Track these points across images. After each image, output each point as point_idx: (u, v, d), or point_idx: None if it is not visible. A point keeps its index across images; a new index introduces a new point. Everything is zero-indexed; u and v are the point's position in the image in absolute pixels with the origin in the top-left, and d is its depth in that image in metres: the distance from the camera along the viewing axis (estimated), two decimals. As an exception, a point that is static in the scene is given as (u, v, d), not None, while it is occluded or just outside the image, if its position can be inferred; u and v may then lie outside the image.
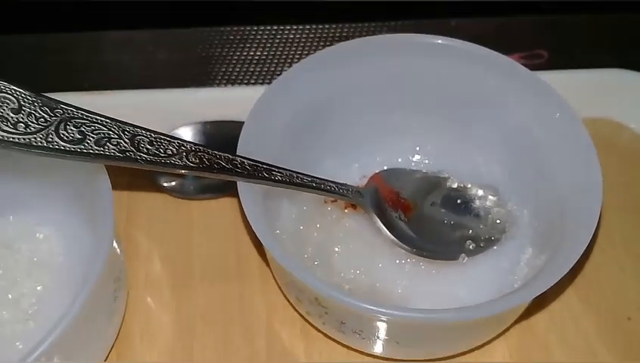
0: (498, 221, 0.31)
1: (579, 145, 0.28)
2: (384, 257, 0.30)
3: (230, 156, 0.25)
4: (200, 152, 0.25)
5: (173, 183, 0.34)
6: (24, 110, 0.21)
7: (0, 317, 0.29)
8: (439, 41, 0.31)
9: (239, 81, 0.41)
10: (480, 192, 0.32)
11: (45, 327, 0.27)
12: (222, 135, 0.35)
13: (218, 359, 0.29)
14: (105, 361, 0.28)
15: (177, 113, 0.35)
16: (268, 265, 0.31)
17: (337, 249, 0.30)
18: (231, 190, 0.34)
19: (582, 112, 0.35)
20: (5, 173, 0.31)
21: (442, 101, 0.32)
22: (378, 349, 0.26)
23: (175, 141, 0.24)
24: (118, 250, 0.29)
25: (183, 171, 0.24)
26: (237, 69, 0.42)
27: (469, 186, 0.32)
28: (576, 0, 0.42)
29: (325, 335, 0.29)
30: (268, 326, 0.30)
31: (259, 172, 0.26)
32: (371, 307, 0.23)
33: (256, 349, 0.29)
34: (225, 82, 0.41)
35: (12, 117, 0.21)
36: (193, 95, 0.37)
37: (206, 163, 0.25)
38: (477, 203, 0.31)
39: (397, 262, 0.30)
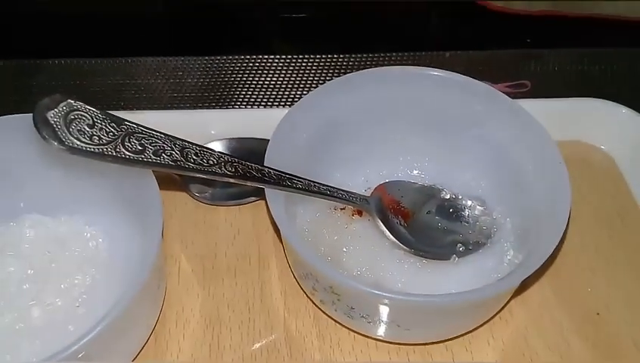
0: (484, 228, 0.35)
1: (552, 162, 0.33)
2: (386, 257, 0.35)
3: (259, 167, 0.30)
4: (236, 163, 0.30)
5: (204, 192, 0.39)
6: (97, 126, 0.26)
7: (54, 304, 0.34)
8: (435, 73, 0.36)
9: (257, 103, 0.46)
10: (470, 202, 0.36)
11: (93, 313, 0.31)
12: (244, 150, 0.39)
13: (241, 341, 0.33)
14: (146, 342, 0.33)
15: (203, 130, 0.40)
16: (284, 260, 0.36)
17: (345, 249, 0.35)
18: (252, 199, 0.39)
19: (560, 135, 0.40)
20: (59, 180, 0.35)
21: (437, 124, 0.37)
22: (381, 331, 0.31)
23: (216, 153, 0.29)
24: (162, 252, 0.33)
25: (222, 178, 0.29)
26: (257, 93, 0.47)
27: (460, 197, 0.37)
28: (556, 37, 0.48)
29: (335, 321, 0.34)
30: (285, 314, 0.34)
31: (283, 180, 0.31)
32: (380, 292, 0.27)
33: (275, 333, 0.34)
34: (245, 104, 0.46)
35: (88, 131, 0.26)
36: (217, 115, 0.42)
37: (240, 172, 0.29)
38: (467, 212, 0.36)
39: (397, 261, 0.34)
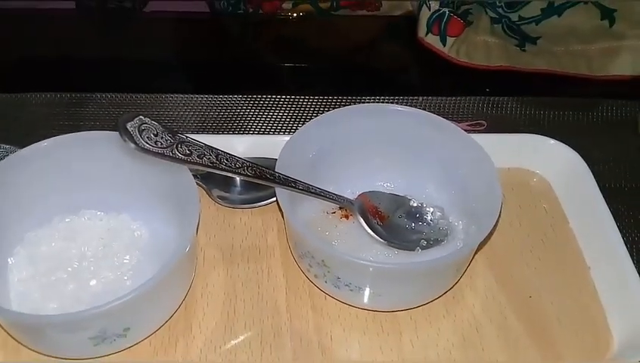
0: (442, 229, 0.45)
1: (489, 176, 0.42)
2: (366, 249, 0.44)
3: (271, 171, 0.41)
4: (255, 167, 0.40)
5: (223, 199, 0.48)
6: (159, 135, 0.37)
7: (107, 277, 0.42)
8: (403, 109, 0.46)
9: (266, 133, 0.57)
10: (431, 209, 0.46)
11: (138, 284, 0.40)
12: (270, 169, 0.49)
13: (252, 309, 0.42)
14: (179, 307, 0.42)
15: (232, 151, 0.49)
16: (287, 251, 0.45)
17: (334, 242, 0.44)
18: (262, 204, 0.48)
19: (506, 163, 0.51)
20: (114, 185, 0.44)
21: (406, 149, 0.46)
22: (360, 298, 0.41)
23: (240, 160, 0.39)
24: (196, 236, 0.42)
25: (244, 177, 0.39)
26: (266, 125, 0.57)
27: (424, 205, 0.46)
28: (506, 87, 0.59)
29: (326, 294, 0.43)
30: (286, 290, 0.43)
31: (289, 182, 0.41)
32: (359, 260, 0.38)
33: (279, 304, 0.43)
34: (256, 133, 0.57)
35: (153, 138, 0.36)
36: (237, 139, 0.51)
37: (257, 174, 0.40)
38: (429, 216, 0.46)
39: (375, 252, 0.44)
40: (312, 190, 0.42)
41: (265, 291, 0.44)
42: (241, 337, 0.41)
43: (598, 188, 0.48)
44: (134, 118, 0.36)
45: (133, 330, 0.38)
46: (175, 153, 0.37)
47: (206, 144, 0.38)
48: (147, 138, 0.36)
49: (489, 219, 0.40)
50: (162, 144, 0.36)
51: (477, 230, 0.41)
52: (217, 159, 0.38)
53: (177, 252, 0.38)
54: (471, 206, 0.44)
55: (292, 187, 0.41)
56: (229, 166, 0.39)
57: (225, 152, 0.39)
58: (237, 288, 0.44)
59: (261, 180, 0.40)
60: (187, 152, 0.37)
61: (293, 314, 0.42)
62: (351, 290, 0.40)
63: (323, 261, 0.39)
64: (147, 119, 0.36)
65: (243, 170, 0.39)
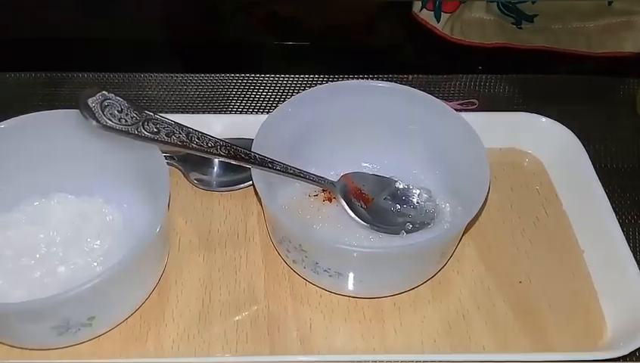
0: (428, 211, 0.43)
1: (478, 158, 0.40)
2: (349, 233, 0.42)
3: (247, 151, 0.38)
4: (229, 147, 0.38)
5: (201, 181, 0.46)
6: (124, 112, 0.34)
7: (76, 263, 0.40)
8: (388, 86, 0.44)
9: (244, 111, 0.54)
10: (418, 191, 0.44)
11: None
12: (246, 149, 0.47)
13: (229, 296, 0.41)
14: (150, 294, 0.40)
15: (209, 131, 0.47)
16: (266, 236, 0.43)
17: (315, 226, 0.42)
18: (241, 186, 0.46)
19: (497, 142, 0.49)
20: (84, 167, 0.42)
21: (392, 128, 0.44)
22: (340, 284, 0.39)
23: (213, 138, 0.37)
24: (167, 218, 0.40)
25: (217, 157, 0.37)
26: (248, 105, 0.55)
27: (410, 187, 0.44)
28: (499, 65, 0.57)
29: (305, 281, 0.41)
30: (265, 276, 0.42)
31: (266, 162, 0.39)
32: (336, 244, 0.35)
33: (257, 291, 0.41)
34: (235, 111, 0.54)
35: (117, 114, 0.34)
36: (215, 119, 0.49)
37: (232, 154, 0.38)
38: (415, 198, 0.44)
39: (358, 236, 0.42)
40: (291, 171, 0.40)
41: (242, 278, 0.42)
42: (216, 326, 0.39)
43: (593, 169, 0.46)
44: (96, 93, 0.34)
45: (99, 318, 0.36)
46: (140, 131, 0.34)
47: (176, 122, 0.36)
48: (111, 114, 0.34)
49: (477, 200, 0.38)
50: (126, 121, 0.34)
51: (464, 211, 0.39)
52: (188, 138, 0.36)
53: (145, 235, 0.36)
54: (459, 187, 0.42)
55: (269, 167, 0.39)
56: (201, 146, 0.37)
57: (196, 130, 0.37)
58: (214, 274, 0.42)
59: (236, 160, 0.38)
60: (155, 130, 0.35)
61: (271, 301, 0.41)
62: (330, 276, 0.38)
63: (300, 245, 0.37)
64: (110, 95, 0.34)
65: (216, 149, 0.37)
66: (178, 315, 0.40)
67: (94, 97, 0.34)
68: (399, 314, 0.40)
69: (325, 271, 0.38)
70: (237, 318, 0.40)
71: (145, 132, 0.35)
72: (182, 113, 0.54)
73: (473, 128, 0.42)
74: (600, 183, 0.45)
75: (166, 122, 0.36)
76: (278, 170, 0.39)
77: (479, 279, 0.42)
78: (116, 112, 0.34)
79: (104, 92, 0.34)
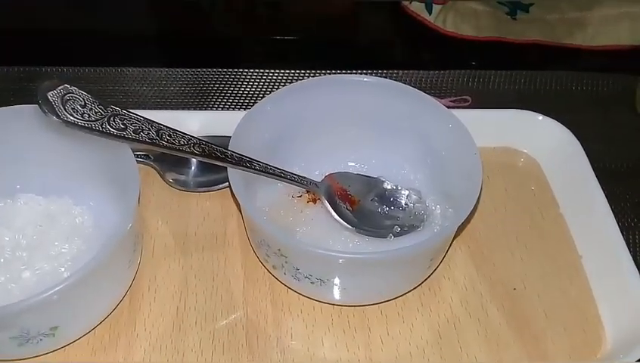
0: (418, 214, 0.41)
1: (469, 154, 0.38)
2: (334, 237, 0.39)
3: (223, 149, 0.36)
4: (203, 145, 0.35)
5: (178, 181, 0.44)
6: (88, 106, 0.32)
7: (42, 268, 0.38)
8: (375, 81, 0.42)
9: (227, 107, 0.52)
10: (407, 192, 0.42)
11: None
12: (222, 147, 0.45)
13: (205, 304, 0.38)
14: (121, 301, 0.38)
15: (181, 129, 0.45)
16: (247, 240, 0.41)
17: (298, 229, 0.40)
18: (220, 186, 0.44)
19: (490, 141, 0.47)
20: (53, 166, 0.40)
21: (380, 126, 0.42)
22: (323, 292, 0.36)
23: (187, 136, 0.35)
24: (138, 220, 0.38)
25: (190, 156, 0.35)
26: (231, 100, 0.53)
27: (399, 188, 0.42)
28: (494, 61, 0.55)
29: (287, 288, 0.39)
30: (244, 283, 0.39)
31: (243, 161, 0.36)
32: (320, 249, 0.33)
33: (235, 297, 0.39)
34: (220, 109, 0.52)
35: (80, 109, 0.32)
36: (194, 115, 0.47)
37: (206, 152, 0.35)
38: (404, 200, 0.42)
39: (343, 239, 0.39)
40: (271, 171, 0.38)
41: (220, 283, 0.39)
42: (191, 335, 0.37)
43: (591, 169, 0.44)
44: (57, 86, 0.31)
45: (63, 329, 0.33)
46: (105, 128, 0.32)
47: (145, 118, 0.34)
48: (73, 109, 0.31)
49: (468, 202, 0.35)
50: (90, 116, 0.32)
51: (455, 214, 0.37)
52: (158, 135, 0.34)
53: (112, 238, 0.33)
54: (450, 188, 0.40)
55: (247, 167, 0.37)
56: (173, 143, 0.34)
57: (168, 127, 0.35)
58: (190, 280, 0.39)
59: (211, 159, 0.36)
60: (121, 126, 0.33)
61: (250, 309, 0.38)
62: (312, 283, 0.36)
63: (279, 250, 0.35)
64: (73, 88, 0.32)
65: (190, 148, 0.35)
66: (151, 324, 0.37)
67: (54, 91, 0.31)
68: (385, 323, 0.38)
69: (307, 277, 0.35)
70: (213, 326, 0.37)
71: (111, 129, 0.32)
72: (163, 108, 0.52)
73: (465, 126, 0.39)
74: (599, 184, 0.43)
75: (134, 118, 0.33)
76: (257, 170, 0.37)
77: (471, 285, 0.40)
78: (78, 106, 0.32)
79: (66, 85, 0.32)
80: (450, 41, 0.59)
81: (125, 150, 0.36)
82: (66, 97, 0.31)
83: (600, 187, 0.42)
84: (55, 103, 0.31)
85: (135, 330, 0.37)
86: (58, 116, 0.31)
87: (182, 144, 0.34)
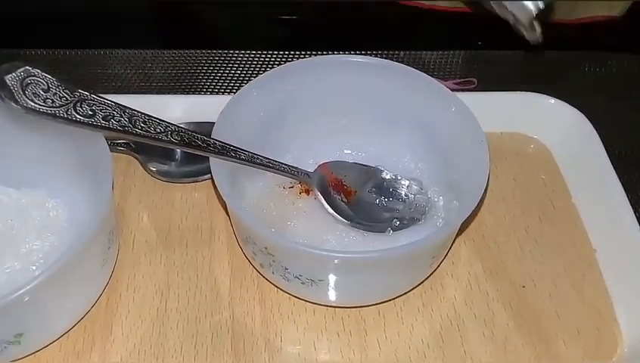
0: (419, 205, 0.38)
1: (475, 145, 0.35)
2: (328, 231, 0.37)
3: (205, 138, 0.33)
4: (182, 132, 0.32)
5: (161, 171, 0.41)
6: (51, 91, 0.29)
7: (13, 267, 0.36)
8: (372, 62, 0.38)
9: (216, 91, 0.49)
10: (407, 182, 0.39)
11: None
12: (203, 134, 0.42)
13: (188, 304, 0.35)
14: (96, 302, 0.35)
15: (164, 114, 0.42)
16: (234, 234, 0.38)
17: (289, 223, 0.37)
18: (207, 177, 0.41)
19: (498, 126, 0.44)
20: (26, 157, 0.37)
21: (377, 110, 0.39)
22: (314, 293, 0.33)
23: (163, 123, 0.32)
24: (113, 213, 0.35)
25: (167, 145, 0.32)
26: (220, 84, 0.49)
27: (399, 177, 0.39)
28: (501, 39, 0.51)
29: (277, 288, 0.36)
30: (230, 281, 0.36)
31: (227, 151, 0.33)
32: (309, 248, 0.30)
33: (220, 297, 0.36)
34: (207, 91, 0.48)
35: (42, 94, 0.28)
36: (178, 100, 0.44)
37: (186, 141, 0.32)
38: (404, 191, 0.38)
39: (338, 234, 0.36)
40: (258, 161, 0.35)
41: (204, 282, 0.37)
42: (172, 339, 0.34)
43: (606, 156, 0.41)
44: (17, 69, 0.28)
45: (28, 335, 0.31)
46: (71, 115, 0.29)
47: (117, 103, 0.31)
48: (34, 94, 0.28)
49: (474, 194, 0.32)
50: (54, 102, 0.29)
51: (460, 206, 0.34)
52: (130, 122, 0.31)
53: (82, 236, 0.31)
54: (455, 178, 0.37)
55: (231, 156, 0.33)
56: (147, 131, 0.31)
57: (143, 113, 0.31)
58: (172, 278, 0.37)
59: (191, 148, 0.32)
60: (89, 113, 0.29)
61: (237, 309, 0.35)
62: (303, 283, 0.33)
63: (266, 248, 0.32)
64: (36, 71, 0.29)
65: (167, 135, 0.32)
66: (128, 327, 0.34)
67: (14, 74, 0.28)
68: (383, 324, 0.35)
69: (297, 277, 0.32)
70: (196, 329, 0.34)
71: (77, 115, 0.29)
72: (147, 93, 0.48)
73: (471, 110, 0.36)
74: (614, 172, 0.40)
75: (104, 104, 0.30)
76: (242, 159, 0.34)
77: (476, 283, 0.37)
78: (40, 91, 0.28)
79: (27, 67, 0.28)
80: (453, 19, 0.55)
81: (97, 138, 0.33)
82: (27, 80, 0.28)
83: (616, 176, 0.40)
84: (14, 87, 0.28)
85: (111, 334, 0.34)
86: (17, 102, 0.27)
87: (159, 132, 0.31)
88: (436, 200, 0.38)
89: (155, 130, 0.31)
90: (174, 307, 0.35)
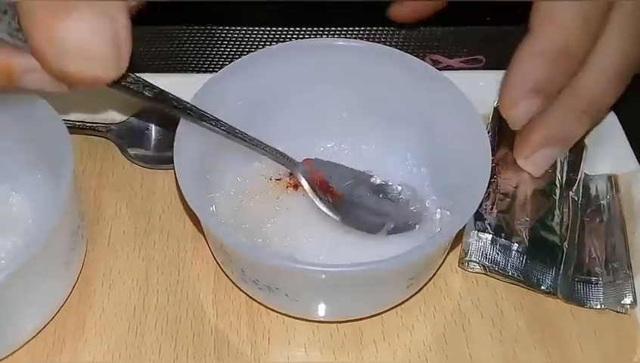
0: (412, 209, 0.34)
1: (477, 137, 0.31)
2: (314, 233, 0.33)
3: (184, 101, 0.30)
4: (156, 89, 0.29)
5: (141, 156, 0.38)
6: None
7: None
8: (360, 45, 0.34)
9: (204, 69, 0.45)
10: (400, 187, 0.35)
11: None
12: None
13: (168, 303, 0.33)
14: (66, 300, 0.32)
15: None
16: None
17: (270, 219, 0.33)
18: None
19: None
20: None
21: (365, 101, 0.35)
22: (270, 299, 0.31)
23: (133, 75, 0.28)
24: (77, 210, 0.32)
25: (135, 95, 0.28)
26: (199, 60, 0.46)
27: (390, 183, 0.35)
28: (509, 15, 0.47)
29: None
30: (215, 278, 0.34)
31: (207, 119, 0.30)
32: (270, 259, 0.27)
33: (203, 295, 0.33)
34: (196, 70, 0.45)
35: None
36: (158, 79, 0.40)
37: (159, 98, 0.29)
38: (396, 195, 0.35)
39: (319, 236, 0.33)
40: (239, 136, 0.31)
41: (186, 278, 0.34)
42: (149, 340, 0.31)
43: (628, 144, 0.37)
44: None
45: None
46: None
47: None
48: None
49: (476, 194, 0.29)
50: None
51: (457, 211, 0.30)
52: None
53: (41, 230, 0.28)
54: (453, 184, 0.33)
55: (211, 125, 0.30)
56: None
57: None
58: (151, 274, 0.34)
59: (165, 105, 0.29)
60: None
61: (220, 308, 0.33)
62: (260, 289, 0.29)
63: (221, 246, 0.29)
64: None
65: (138, 87, 0.28)
66: (102, 327, 0.32)
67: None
68: (380, 324, 0.32)
69: (254, 282, 0.29)
70: (176, 329, 0.32)
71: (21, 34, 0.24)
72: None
73: (471, 102, 0.32)
74: (636, 160, 0.36)
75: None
76: (222, 129, 0.30)
77: (483, 279, 0.34)
78: None
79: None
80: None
81: (54, 121, 0.30)
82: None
83: (637, 163, 0.36)
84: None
85: (83, 334, 0.32)
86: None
87: (130, 82, 0.28)
88: (432, 210, 0.34)
89: (126, 80, 0.28)
90: (152, 305, 0.33)
